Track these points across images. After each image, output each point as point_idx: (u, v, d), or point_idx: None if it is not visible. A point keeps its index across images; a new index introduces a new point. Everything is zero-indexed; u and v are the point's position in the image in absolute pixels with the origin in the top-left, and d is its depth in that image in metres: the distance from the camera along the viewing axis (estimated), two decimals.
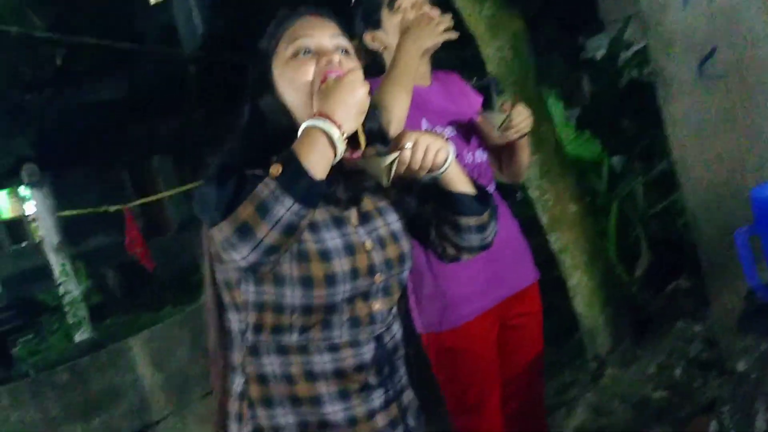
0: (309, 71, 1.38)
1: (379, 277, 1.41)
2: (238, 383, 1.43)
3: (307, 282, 1.33)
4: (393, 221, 1.49)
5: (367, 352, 1.42)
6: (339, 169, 1.35)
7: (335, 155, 1.27)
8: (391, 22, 2.06)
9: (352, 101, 1.28)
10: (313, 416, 1.39)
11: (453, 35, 1.97)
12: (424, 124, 2.08)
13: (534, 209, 3.88)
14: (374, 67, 2.12)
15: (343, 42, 1.44)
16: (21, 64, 8.96)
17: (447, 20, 1.96)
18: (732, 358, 2.64)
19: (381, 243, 1.43)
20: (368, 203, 1.46)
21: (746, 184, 2.46)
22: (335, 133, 1.25)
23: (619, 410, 3.34)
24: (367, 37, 2.11)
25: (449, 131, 2.10)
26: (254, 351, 1.40)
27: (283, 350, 1.38)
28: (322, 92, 1.31)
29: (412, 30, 1.94)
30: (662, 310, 4.18)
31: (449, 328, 2.08)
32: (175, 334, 3.79)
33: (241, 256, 1.23)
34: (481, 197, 1.50)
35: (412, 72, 1.91)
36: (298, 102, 1.38)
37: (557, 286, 3.92)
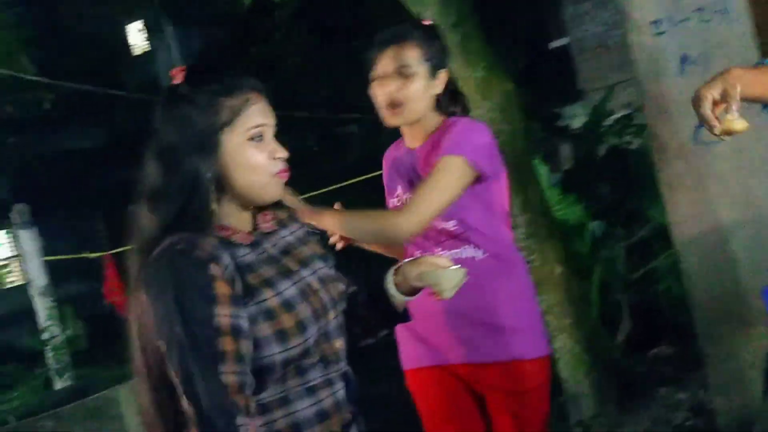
0: (264, 159, 1.49)
1: (332, 314, 1.52)
2: None
3: (282, 336, 1.41)
4: (327, 267, 1.60)
5: (340, 389, 1.51)
6: (257, 230, 1.52)
7: None
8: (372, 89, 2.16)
9: None
10: None
11: None
12: (399, 189, 2.14)
13: None
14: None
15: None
16: (8, 105, 8.96)
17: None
18: (729, 422, 2.63)
19: (323, 282, 1.54)
20: (300, 251, 1.56)
21: (738, 248, 2.49)
22: None
23: None
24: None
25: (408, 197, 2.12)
26: None
27: (265, 408, 1.42)
28: None
29: None
30: (645, 376, 4.17)
31: (405, 369, 2.21)
32: None
33: None
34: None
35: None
36: (249, 182, 1.48)
37: None
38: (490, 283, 2.06)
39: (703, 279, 2.50)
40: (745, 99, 1.58)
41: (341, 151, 13.17)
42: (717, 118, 1.55)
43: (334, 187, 6.69)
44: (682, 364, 3.95)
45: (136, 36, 17.23)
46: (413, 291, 1.62)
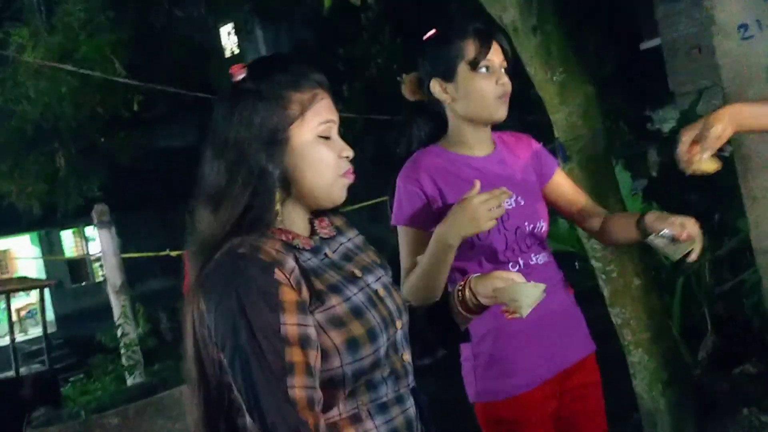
0: (333, 157, 1.44)
1: (399, 323, 1.44)
2: None
3: (352, 345, 1.32)
4: (386, 274, 1.52)
5: (410, 406, 1.42)
6: (316, 235, 1.46)
7: None
8: (469, 81, 2.00)
9: None
10: None
11: (499, 214, 1.83)
12: None
13: (595, 279, 3.76)
14: (429, 109, 2.10)
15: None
16: (99, 106, 9.30)
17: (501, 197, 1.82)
18: None
19: (388, 290, 1.47)
20: (360, 258, 1.50)
21: None
22: None
23: None
24: (435, 86, 2.04)
25: (508, 205, 2.00)
26: None
27: (335, 428, 1.34)
28: None
29: (457, 215, 1.83)
30: (728, 396, 3.98)
31: (504, 398, 2.02)
32: None
33: None
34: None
35: (442, 265, 1.86)
36: (316, 181, 1.42)
37: (617, 361, 3.78)
38: (562, 281, 2.13)
39: None
40: (753, 131, 1.67)
41: None
42: (690, 158, 1.71)
43: None
44: None
45: (227, 38, 17.69)
46: (479, 309, 1.55)
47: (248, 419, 1.27)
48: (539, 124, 3.87)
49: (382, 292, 1.44)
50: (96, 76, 7.75)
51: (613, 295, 3.69)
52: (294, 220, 1.44)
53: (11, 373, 8.96)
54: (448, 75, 2.01)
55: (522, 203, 2.05)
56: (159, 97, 10.19)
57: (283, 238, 1.39)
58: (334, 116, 1.44)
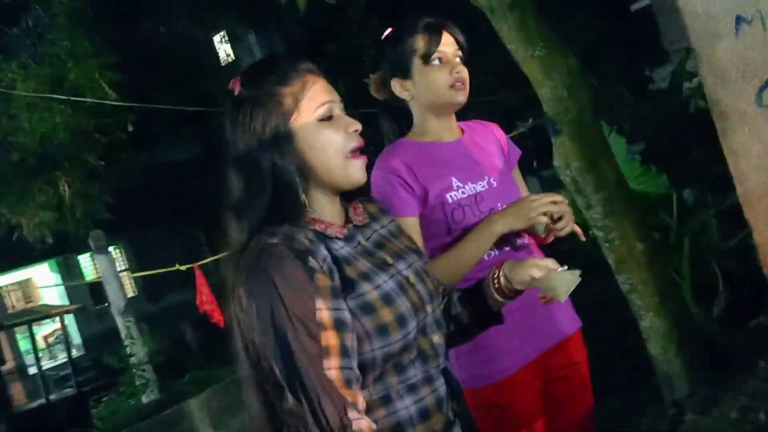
0: (340, 136, 1.48)
1: (429, 308, 1.49)
2: None
3: (382, 330, 1.38)
4: (422, 260, 1.58)
5: (440, 386, 1.47)
6: (349, 223, 1.51)
7: None
8: (423, 75, 2.03)
9: None
10: None
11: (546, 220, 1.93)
12: (455, 182, 2.03)
13: (600, 249, 3.77)
14: (395, 106, 2.12)
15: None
16: (94, 131, 9.38)
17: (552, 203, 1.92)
18: None
19: (419, 276, 1.52)
20: (393, 245, 1.55)
21: None
22: None
23: None
24: (396, 85, 2.08)
25: (481, 186, 2.04)
26: None
27: (367, 409, 1.38)
28: None
29: (512, 207, 1.94)
30: (743, 350, 3.97)
31: (490, 383, 2.02)
32: (235, 392, 3.78)
33: None
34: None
35: (481, 251, 1.93)
36: (330, 164, 1.47)
37: (630, 328, 3.78)
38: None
39: None
40: None
41: None
42: None
43: None
44: None
45: (220, 46, 17.73)
46: (514, 294, 1.61)
47: (290, 400, 1.32)
48: (532, 99, 3.86)
49: (413, 278, 1.49)
50: (87, 102, 7.82)
51: (618, 262, 3.69)
52: (324, 207, 1.49)
53: (42, 400, 9.11)
54: (404, 73, 2.05)
55: (494, 185, 2.06)
56: (156, 114, 10.24)
57: (317, 227, 1.45)
58: (332, 96, 1.49)
